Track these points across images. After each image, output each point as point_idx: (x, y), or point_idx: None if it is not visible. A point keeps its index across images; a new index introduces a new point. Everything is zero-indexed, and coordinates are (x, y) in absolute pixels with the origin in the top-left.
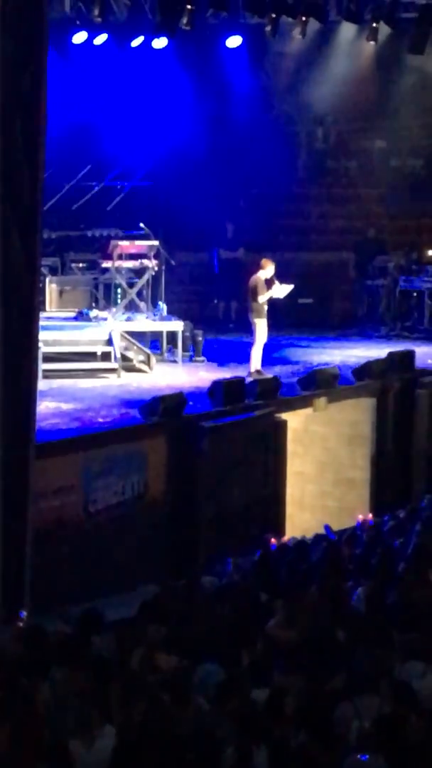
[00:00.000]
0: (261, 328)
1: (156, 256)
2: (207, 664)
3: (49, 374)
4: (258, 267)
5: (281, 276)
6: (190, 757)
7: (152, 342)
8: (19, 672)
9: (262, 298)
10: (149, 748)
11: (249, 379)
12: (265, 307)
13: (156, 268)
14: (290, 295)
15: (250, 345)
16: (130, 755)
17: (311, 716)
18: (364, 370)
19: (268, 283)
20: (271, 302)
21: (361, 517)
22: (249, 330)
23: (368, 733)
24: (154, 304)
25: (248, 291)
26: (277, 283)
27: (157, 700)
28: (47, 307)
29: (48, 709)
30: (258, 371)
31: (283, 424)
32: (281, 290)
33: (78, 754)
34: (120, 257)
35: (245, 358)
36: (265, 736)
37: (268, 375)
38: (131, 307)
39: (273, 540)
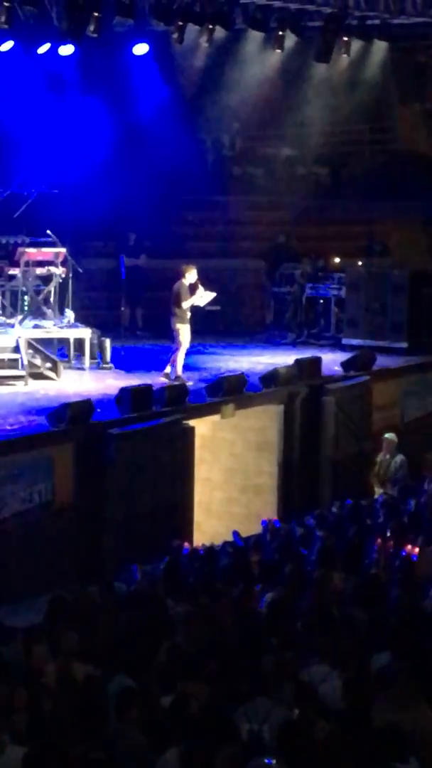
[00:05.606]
0: (184, 333)
1: (63, 264)
2: (120, 676)
3: None
4: (181, 274)
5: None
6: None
7: (59, 349)
8: None
9: (186, 304)
10: (59, 758)
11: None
12: (188, 314)
13: (63, 276)
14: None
15: (170, 351)
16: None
17: (213, 721)
18: (271, 377)
19: (192, 289)
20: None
21: (266, 518)
22: (158, 336)
23: (260, 737)
24: (61, 312)
25: (172, 297)
26: (201, 288)
27: (68, 709)
28: None
29: None
30: (179, 377)
31: (190, 431)
32: (204, 297)
33: None
34: (27, 264)
35: (153, 365)
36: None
37: (189, 381)
38: (38, 314)
39: (186, 544)
